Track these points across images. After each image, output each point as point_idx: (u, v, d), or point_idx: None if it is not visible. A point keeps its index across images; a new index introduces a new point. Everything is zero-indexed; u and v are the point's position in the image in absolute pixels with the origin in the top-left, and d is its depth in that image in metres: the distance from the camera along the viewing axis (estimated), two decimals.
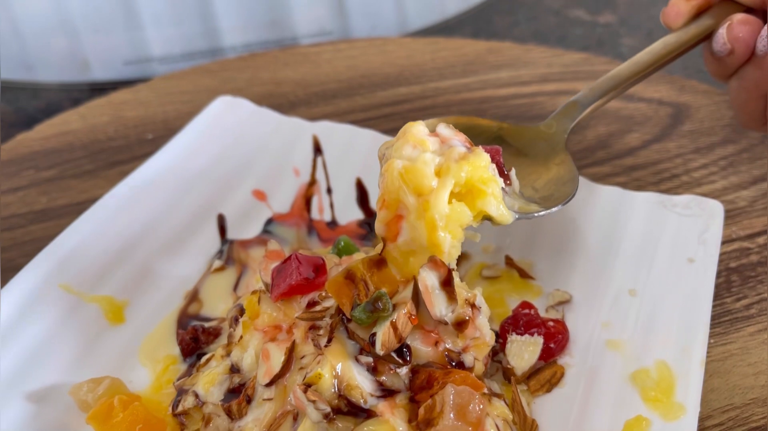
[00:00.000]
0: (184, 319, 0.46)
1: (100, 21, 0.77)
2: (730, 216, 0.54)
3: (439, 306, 0.39)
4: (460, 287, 0.41)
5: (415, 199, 0.36)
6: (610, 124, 0.64)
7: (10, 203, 0.59)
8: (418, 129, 0.38)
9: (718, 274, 0.50)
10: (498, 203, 0.38)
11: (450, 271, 0.39)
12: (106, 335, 0.45)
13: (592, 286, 0.46)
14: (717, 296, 0.48)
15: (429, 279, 0.39)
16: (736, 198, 0.56)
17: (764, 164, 0.58)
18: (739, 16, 0.42)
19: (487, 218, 0.38)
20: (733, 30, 0.42)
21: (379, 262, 0.40)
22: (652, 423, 0.37)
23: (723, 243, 0.52)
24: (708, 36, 0.44)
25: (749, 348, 0.45)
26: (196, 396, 0.40)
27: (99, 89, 0.78)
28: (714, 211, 0.47)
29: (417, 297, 0.39)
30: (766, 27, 0.41)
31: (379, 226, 0.38)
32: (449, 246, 0.37)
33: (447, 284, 0.39)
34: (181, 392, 0.41)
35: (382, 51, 0.75)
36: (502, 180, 0.39)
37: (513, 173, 0.40)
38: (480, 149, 0.38)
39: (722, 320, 0.47)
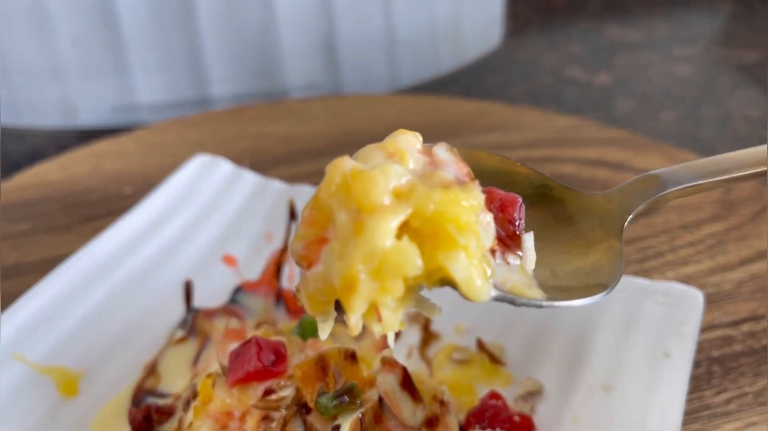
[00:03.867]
0: (139, 394, 0.45)
1: (90, 67, 0.77)
2: (715, 301, 0.52)
3: (406, 409, 0.37)
4: (428, 382, 0.39)
5: (349, 215, 0.26)
6: None
7: None
8: (407, 138, 0.29)
9: (699, 364, 0.48)
10: (469, 265, 0.27)
11: (406, 371, 0.37)
12: (58, 409, 0.43)
13: (565, 377, 0.44)
14: (696, 388, 0.46)
15: (387, 384, 0.37)
16: (721, 281, 0.54)
17: (753, 244, 0.57)
18: None
19: (449, 283, 0.27)
20: None
21: (352, 355, 0.39)
22: None
23: (705, 329, 0.50)
24: None
25: None
26: None
27: (86, 136, 0.77)
28: (693, 301, 0.45)
29: (381, 400, 0.37)
30: None
31: (296, 245, 0.28)
32: (382, 306, 0.26)
33: (407, 384, 0.38)
34: None
35: (371, 108, 0.74)
36: (502, 244, 0.29)
37: (529, 240, 0.30)
38: (476, 185, 0.28)
39: (700, 415, 0.45)
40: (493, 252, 0.28)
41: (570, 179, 0.64)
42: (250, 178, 0.58)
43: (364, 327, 0.40)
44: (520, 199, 0.29)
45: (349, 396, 0.36)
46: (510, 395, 0.43)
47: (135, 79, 0.77)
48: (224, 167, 0.59)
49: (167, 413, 0.43)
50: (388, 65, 0.80)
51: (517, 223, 0.29)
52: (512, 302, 0.28)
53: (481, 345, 0.46)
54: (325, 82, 0.80)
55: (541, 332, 0.46)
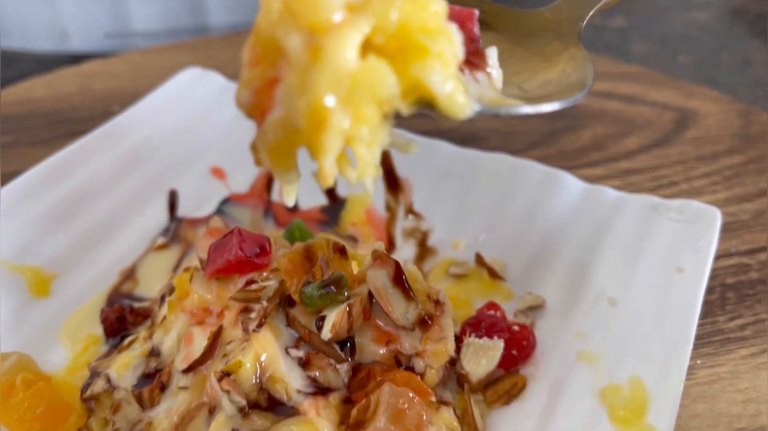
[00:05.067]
0: (114, 297, 0.42)
1: None
2: (731, 229, 0.49)
3: (398, 307, 0.34)
4: (422, 280, 0.37)
5: (303, 40, 0.22)
6: (609, 125, 0.59)
7: None
8: None
9: (713, 290, 0.45)
10: (447, 74, 0.24)
11: (399, 266, 0.34)
12: (28, 308, 0.41)
13: (568, 292, 0.41)
14: (709, 313, 0.44)
15: (377, 279, 0.34)
16: (738, 210, 0.51)
17: None
18: None
19: (428, 101, 0.24)
20: None
21: (341, 249, 0.36)
22: None
23: (721, 257, 0.47)
24: None
25: (740, 373, 0.40)
26: (108, 380, 0.35)
27: (77, 61, 0.74)
28: (710, 217, 0.42)
29: (371, 296, 0.34)
30: None
31: (242, 93, 0.25)
32: (356, 141, 0.23)
33: (399, 281, 0.35)
34: (93, 374, 0.36)
35: None
36: (468, 61, 0.26)
37: (493, 54, 0.28)
38: None
39: (712, 340, 0.42)
40: (460, 70, 0.25)
41: (580, 109, 0.61)
42: None
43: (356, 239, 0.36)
44: (476, 12, 0.27)
45: (336, 286, 0.33)
46: (509, 310, 0.41)
47: (130, 4, 0.74)
48: (216, 80, 0.56)
49: (143, 315, 0.40)
50: None
51: (478, 39, 0.26)
52: (496, 113, 0.26)
53: (480, 260, 0.43)
54: None
55: (544, 248, 0.43)
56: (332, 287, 0.33)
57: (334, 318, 0.32)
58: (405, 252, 0.45)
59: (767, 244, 0.48)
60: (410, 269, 0.36)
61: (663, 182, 0.53)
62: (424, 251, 0.45)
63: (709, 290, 0.45)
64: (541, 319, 0.40)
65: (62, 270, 0.43)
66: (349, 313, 0.33)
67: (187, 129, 0.51)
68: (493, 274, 0.43)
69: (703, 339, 0.42)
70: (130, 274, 0.43)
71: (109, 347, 0.39)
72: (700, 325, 0.43)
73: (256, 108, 0.24)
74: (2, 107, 0.62)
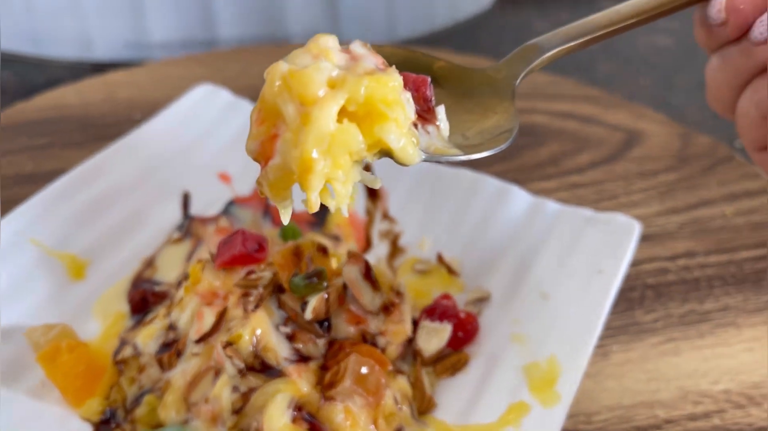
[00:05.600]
0: (138, 281, 0.51)
1: (107, 4, 0.82)
2: (658, 238, 0.58)
3: (366, 295, 0.43)
4: (387, 276, 0.46)
5: (296, 109, 0.30)
6: (565, 143, 0.68)
7: (1, 166, 0.64)
8: (326, 39, 0.33)
9: (635, 289, 0.54)
10: (401, 134, 0.32)
11: (368, 264, 0.44)
12: (67, 288, 0.50)
13: (509, 287, 0.50)
14: (628, 308, 0.53)
15: (351, 273, 0.44)
16: (666, 222, 0.59)
17: (699, 193, 0.62)
18: None
19: (387, 153, 0.32)
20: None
21: (323, 249, 0.45)
22: (531, 408, 0.41)
23: (645, 261, 0.56)
24: None
25: (648, 358, 0.49)
26: (135, 347, 0.44)
27: (100, 68, 0.83)
28: (630, 229, 0.51)
29: (346, 287, 0.43)
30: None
31: (250, 144, 0.32)
32: (334, 180, 0.31)
33: (368, 275, 0.44)
34: (123, 343, 0.45)
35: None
36: (421, 118, 0.33)
37: (441, 111, 0.34)
38: (393, 70, 0.32)
39: (629, 330, 0.51)
40: (415, 125, 0.33)
41: (540, 127, 0.69)
42: (247, 107, 0.64)
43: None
44: (429, 79, 0.33)
45: (317, 278, 0.42)
46: (461, 301, 0.50)
47: (148, 17, 0.83)
48: (225, 96, 0.64)
49: (161, 296, 0.49)
50: (386, 18, 0.86)
51: (430, 99, 0.33)
52: (438, 161, 0.34)
53: (440, 259, 0.52)
54: (326, 30, 0.84)
55: (493, 250, 0.52)
56: (315, 278, 0.42)
57: (314, 303, 0.42)
58: (380, 250, 0.54)
59: (686, 252, 0.57)
60: (378, 267, 0.45)
61: (605, 195, 0.62)
62: (395, 250, 0.54)
63: (632, 289, 0.54)
64: (486, 308, 0.49)
65: (95, 258, 0.52)
66: (327, 299, 0.42)
67: (198, 139, 0.60)
68: (451, 271, 0.52)
69: (620, 329, 0.51)
70: (150, 262, 0.52)
71: (134, 322, 0.48)
72: (619, 317, 0.52)
73: (261, 155, 0.32)
74: (37, 112, 0.71)
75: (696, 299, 0.53)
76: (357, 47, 0.33)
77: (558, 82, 0.76)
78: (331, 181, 0.31)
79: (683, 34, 0.92)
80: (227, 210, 0.57)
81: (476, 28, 0.91)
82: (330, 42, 0.32)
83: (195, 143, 0.60)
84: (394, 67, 0.32)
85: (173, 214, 0.56)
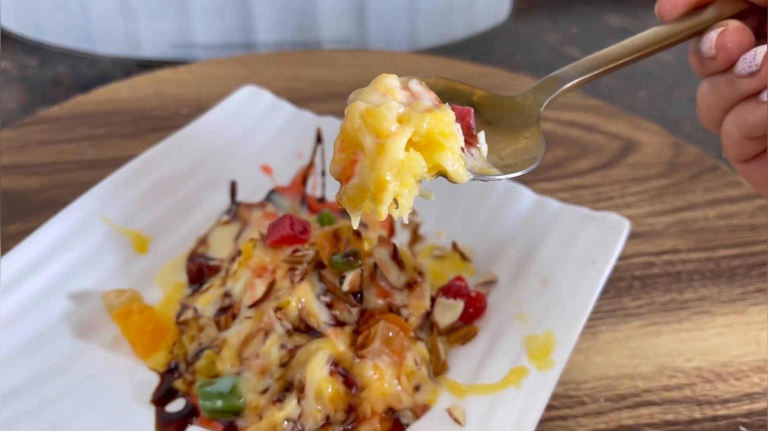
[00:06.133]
0: (193, 256, 0.59)
1: (156, 7, 0.90)
2: (647, 236, 0.66)
3: (393, 274, 0.51)
4: (411, 258, 0.53)
5: (373, 141, 0.36)
6: (568, 149, 0.75)
7: (65, 151, 0.72)
8: (389, 80, 0.39)
9: (623, 279, 0.62)
10: (455, 159, 0.38)
11: (396, 247, 0.51)
12: (132, 260, 0.58)
13: (514, 273, 0.57)
14: (617, 295, 0.60)
15: (381, 254, 0.52)
16: (655, 222, 0.67)
17: (686, 198, 0.70)
18: (734, 25, 0.41)
19: (443, 174, 0.38)
20: (724, 38, 0.40)
21: (357, 233, 0.53)
22: (529, 371, 0.49)
23: (634, 256, 0.64)
24: (701, 31, 0.42)
25: (632, 337, 0.57)
26: (195, 310, 0.52)
27: (146, 65, 0.91)
28: (621, 226, 0.58)
29: (376, 266, 0.51)
30: (753, 50, 0.40)
31: (334, 167, 0.39)
32: (400, 196, 0.37)
33: (395, 257, 0.52)
34: (184, 307, 0.53)
35: (390, 63, 0.88)
36: (465, 141, 0.39)
37: (482, 136, 0.40)
38: (446, 106, 0.38)
39: (617, 313, 0.59)
40: (462, 149, 0.40)
41: (548, 134, 0.77)
42: (287, 108, 0.72)
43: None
44: (472, 110, 0.40)
45: (353, 257, 0.50)
46: (472, 283, 0.57)
47: (193, 21, 0.91)
48: (267, 97, 0.72)
49: (214, 269, 0.57)
50: (409, 28, 0.93)
51: (473, 127, 0.40)
52: (483, 179, 0.40)
53: (455, 246, 0.60)
54: (354, 38, 0.93)
55: (501, 240, 0.60)
56: (351, 257, 0.50)
57: (350, 277, 0.49)
58: (402, 237, 0.62)
59: (671, 248, 0.65)
60: (403, 250, 0.53)
61: (602, 197, 0.70)
62: (415, 237, 0.62)
63: (621, 279, 0.62)
64: (493, 290, 0.57)
65: (156, 235, 0.60)
66: (361, 275, 0.50)
67: (244, 135, 0.68)
68: (464, 257, 0.60)
69: (609, 313, 0.59)
70: (203, 240, 0.60)
71: (191, 290, 0.56)
72: (609, 303, 0.60)
73: (342, 175, 0.38)
74: (95, 105, 0.79)
75: (677, 290, 0.61)
76: (414, 85, 0.39)
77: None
78: (398, 197, 0.38)
79: (684, 50, 0.99)
80: (269, 198, 0.65)
81: (492, 39, 0.99)
82: (393, 81, 0.38)
83: (240, 138, 0.68)
84: (447, 104, 0.38)
85: (222, 200, 0.64)
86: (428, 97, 0.39)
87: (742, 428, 0.51)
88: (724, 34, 0.40)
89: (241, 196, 0.65)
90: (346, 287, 0.49)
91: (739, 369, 0.55)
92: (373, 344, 0.48)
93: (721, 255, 0.64)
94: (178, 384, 0.50)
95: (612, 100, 0.86)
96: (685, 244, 0.65)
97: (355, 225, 0.40)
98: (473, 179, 0.39)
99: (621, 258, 0.63)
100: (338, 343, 0.48)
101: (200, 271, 0.57)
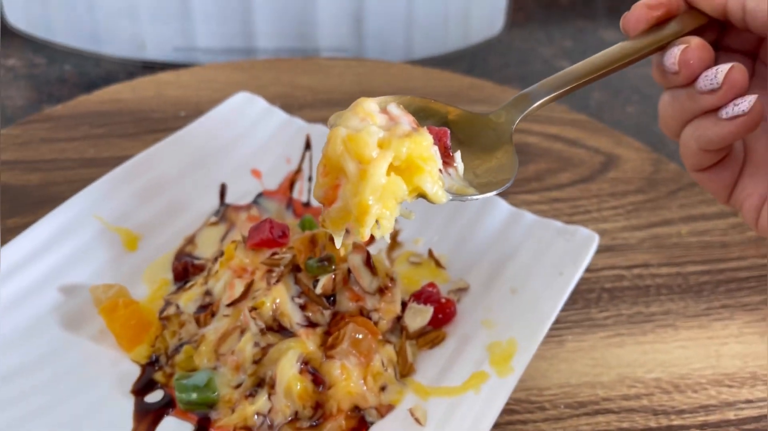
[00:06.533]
0: (180, 255, 0.62)
1: (160, 11, 0.93)
2: (619, 250, 0.68)
3: (365, 279, 0.54)
4: (384, 264, 0.56)
5: (355, 166, 0.38)
6: (551, 162, 0.78)
7: (66, 149, 0.75)
8: (368, 104, 0.40)
9: (593, 291, 0.64)
10: (434, 182, 0.39)
11: (369, 253, 0.54)
12: (122, 257, 0.61)
13: (487, 281, 0.60)
14: (585, 306, 0.63)
15: (355, 260, 0.54)
16: (629, 236, 0.69)
17: (662, 213, 0.72)
18: (696, 42, 0.42)
19: (422, 196, 0.40)
20: (686, 54, 0.41)
21: (332, 238, 0.56)
22: (489, 376, 0.51)
23: (606, 269, 0.66)
24: (664, 46, 0.43)
25: (596, 347, 0.59)
26: (177, 307, 0.55)
27: (149, 67, 0.94)
28: (590, 240, 0.61)
29: (350, 271, 0.54)
30: (715, 68, 0.41)
31: (317, 191, 0.40)
32: (382, 218, 0.39)
33: (368, 263, 0.54)
34: (167, 303, 0.56)
35: (386, 72, 0.90)
36: (442, 161, 0.40)
37: (458, 156, 0.42)
38: (425, 130, 0.39)
39: (584, 324, 0.61)
40: (440, 170, 0.42)
41: (532, 147, 0.79)
42: (279, 114, 0.74)
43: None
44: (449, 131, 0.42)
45: (328, 262, 0.53)
46: (445, 289, 0.60)
47: (196, 25, 0.94)
48: (260, 103, 0.75)
49: (199, 268, 0.60)
50: (405, 39, 0.96)
51: (449, 147, 0.41)
52: (460, 200, 0.41)
53: (430, 253, 0.63)
54: (351, 46, 0.95)
55: (476, 250, 0.62)
56: (325, 262, 0.53)
57: (324, 281, 0.52)
58: (381, 244, 0.64)
59: (641, 263, 0.67)
60: (376, 256, 0.55)
61: (580, 210, 0.72)
62: (394, 244, 0.64)
63: (590, 290, 0.64)
64: (464, 297, 0.59)
65: (146, 233, 0.62)
66: (334, 279, 0.53)
67: (236, 139, 0.71)
68: (438, 264, 0.62)
69: (576, 323, 0.61)
70: (191, 240, 0.63)
71: (176, 287, 0.59)
72: (577, 313, 0.62)
73: (325, 199, 0.40)
74: (97, 104, 0.82)
75: (644, 303, 0.63)
76: (393, 108, 0.41)
77: (551, 107, 0.85)
78: (380, 219, 0.39)
79: None
80: (257, 200, 0.68)
81: (486, 51, 1.01)
82: (372, 106, 0.40)
83: (233, 143, 0.71)
84: (425, 128, 0.40)
85: (212, 202, 0.67)
86: (406, 121, 0.40)
87: None
88: (687, 50, 0.41)
89: (230, 199, 0.68)
90: (319, 290, 0.52)
91: (697, 381, 0.57)
92: (341, 345, 0.50)
93: (690, 271, 0.66)
94: (158, 376, 0.53)
95: (601, 115, 0.88)
96: (656, 259, 0.67)
97: (338, 245, 0.42)
98: (451, 200, 0.41)
99: (592, 270, 0.66)
100: (309, 343, 0.51)
101: (185, 269, 0.59)
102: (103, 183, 0.63)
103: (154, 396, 0.52)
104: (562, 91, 0.45)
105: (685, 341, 0.60)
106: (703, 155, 0.43)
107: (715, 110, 0.41)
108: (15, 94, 0.91)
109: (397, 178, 0.39)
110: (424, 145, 0.39)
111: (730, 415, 0.55)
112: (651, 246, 0.69)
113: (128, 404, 0.51)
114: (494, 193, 0.42)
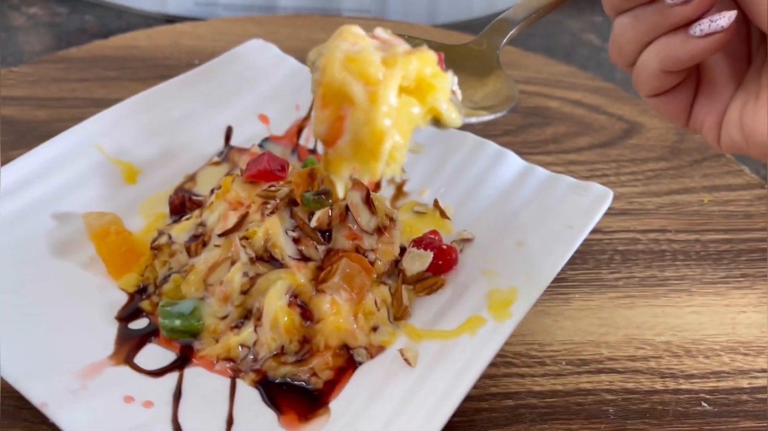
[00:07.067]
0: (179, 191, 0.60)
1: None
2: (636, 214, 0.65)
3: (364, 217, 0.52)
4: (384, 204, 0.54)
5: (363, 89, 0.34)
6: (570, 126, 0.75)
7: (76, 89, 0.74)
8: (354, 28, 0.37)
9: (605, 252, 0.61)
10: (447, 100, 0.37)
11: (369, 191, 0.52)
12: (120, 189, 0.59)
13: (492, 234, 0.57)
14: (596, 266, 0.60)
15: (354, 197, 0.52)
16: (646, 202, 0.66)
17: (683, 182, 0.69)
18: None
19: (435, 120, 0.37)
20: None
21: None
22: (486, 321, 0.49)
23: (621, 231, 0.63)
24: None
25: (604, 307, 0.56)
26: (170, 236, 0.53)
27: (170, 21, 0.93)
28: (604, 195, 0.58)
29: (348, 208, 0.52)
30: None
31: (319, 127, 0.36)
32: (395, 150, 0.35)
33: (367, 201, 0.52)
34: (160, 233, 0.55)
35: (405, 32, 0.88)
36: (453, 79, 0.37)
37: (455, 80, 0.39)
38: (425, 46, 0.37)
39: (592, 283, 0.58)
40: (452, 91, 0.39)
41: (552, 111, 0.77)
42: (291, 62, 0.72)
43: None
44: (443, 54, 0.39)
45: (325, 195, 0.51)
46: (448, 240, 0.57)
47: None
48: (273, 50, 0.73)
49: (197, 204, 0.58)
50: (429, 3, 0.94)
51: (447, 71, 0.38)
52: (473, 121, 0.39)
53: (436, 204, 0.60)
54: (374, 8, 0.93)
55: (484, 203, 0.60)
56: (322, 195, 0.51)
57: (319, 214, 0.50)
58: (385, 192, 0.62)
59: (658, 228, 0.64)
60: (376, 195, 0.53)
61: (596, 173, 0.69)
62: (399, 193, 0.62)
63: (603, 251, 0.61)
64: (467, 247, 0.57)
65: (146, 168, 0.61)
66: (330, 214, 0.50)
67: (246, 84, 0.69)
68: (443, 215, 0.60)
69: (585, 283, 0.58)
70: (192, 177, 0.62)
71: (171, 221, 0.58)
72: (587, 273, 0.59)
73: (329, 136, 0.36)
74: (112, 49, 0.81)
75: (658, 267, 0.60)
76: (380, 33, 0.38)
77: (576, 73, 0.83)
78: (392, 152, 0.36)
79: None
80: (261, 144, 0.66)
81: None
82: (358, 29, 0.37)
83: (242, 87, 0.69)
84: (425, 45, 0.37)
85: (217, 143, 0.66)
86: (401, 41, 0.38)
87: (704, 403, 0.50)
88: None
89: (235, 141, 0.66)
90: (314, 223, 0.50)
91: (710, 347, 0.54)
92: (332, 279, 0.48)
93: (710, 239, 0.63)
94: (145, 305, 0.51)
95: (625, 88, 0.85)
96: (674, 225, 0.64)
97: (340, 192, 0.39)
98: (465, 122, 0.38)
99: (605, 232, 0.63)
100: (299, 275, 0.49)
101: (182, 204, 0.58)
102: (108, 114, 0.62)
103: (139, 324, 0.50)
104: (541, 12, 0.43)
105: (700, 307, 0.57)
106: (663, 78, 0.39)
107: (684, 27, 0.38)
108: (34, 39, 0.91)
109: (409, 98, 0.35)
110: (431, 60, 0.36)
111: (744, 383, 0.52)
112: (670, 212, 0.65)
113: (111, 329, 0.50)
114: (505, 111, 0.40)
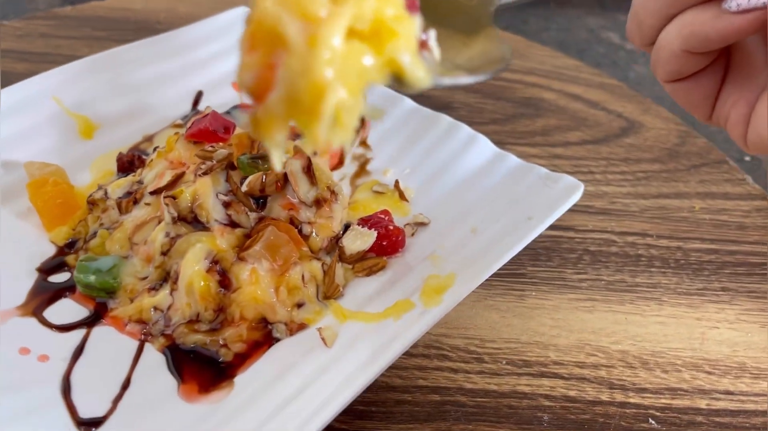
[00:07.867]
0: (133, 150, 0.58)
1: None
2: (616, 214, 0.60)
3: (302, 187, 0.49)
4: (328, 175, 0.51)
5: (300, 28, 0.27)
6: (562, 120, 0.70)
7: (61, 46, 0.73)
8: None
9: (574, 251, 0.57)
10: (412, 51, 0.30)
11: (309, 159, 0.49)
12: (74, 143, 0.58)
13: (448, 219, 0.54)
14: (560, 265, 0.55)
15: (293, 165, 0.49)
16: (631, 203, 0.62)
17: (676, 186, 0.64)
18: None
19: (397, 77, 0.30)
20: None
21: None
22: (414, 306, 0.45)
23: (595, 231, 0.59)
24: None
25: (560, 308, 0.52)
26: (105, 192, 0.51)
27: None
28: (573, 188, 0.53)
29: (286, 176, 0.49)
30: None
31: (243, 75, 0.29)
32: (343, 111, 0.28)
33: (308, 171, 0.49)
34: (99, 188, 0.53)
35: None
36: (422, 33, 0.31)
37: (433, 35, 0.32)
38: None
39: (553, 282, 0.54)
40: (420, 42, 0.32)
41: (545, 102, 0.72)
42: None
43: None
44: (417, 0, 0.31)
45: (261, 160, 0.48)
46: (402, 222, 0.54)
47: None
48: None
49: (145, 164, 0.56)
50: None
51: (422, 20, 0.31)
52: (447, 84, 0.33)
53: (396, 185, 0.57)
54: None
55: (447, 188, 0.56)
56: (259, 160, 0.48)
57: (250, 179, 0.47)
58: (348, 169, 0.59)
59: (638, 232, 0.59)
60: (319, 165, 0.50)
61: (581, 169, 0.65)
62: (361, 171, 0.59)
63: (571, 250, 0.57)
64: (421, 231, 0.53)
65: (105, 124, 0.59)
66: (263, 180, 0.48)
67: (222, 51, 0.67)
68: (402, 196, 0.56)
69: (545, 281, 0.54)
70: (149, 138, 0.60)
71: (117, 178, 0.56)
72: (549, 271, 0.55)
73: (257, 87, 0.29)
74: (105, 10, 0.80)
75: (630, 272, 0.55)
76: None
77: (581, 68, 0.78)
78: (340, 113, 0.28)
79: None
80: (229, 111, 0.63)
81: (528, 12, 0.94)
82: None
83: (218, 54, 0.67)
84: None
85: (184, 108, 0.63)
86: None
87: (651, 420, 0.46)
88: None
89: (202, 107, 0.64)
90: (244, 188, 0.47)
91: (671, 361, 0.49)
92: (254, 246, 0.45)
93: (694, 248, 0.58)
94: (70, 259, 0.49)
95: (638, 87, 0.80)
96: (656, 230, 0.59)
97: (277, 165, 0.31)
98: (438, 84, 0.31)
99: (579, 230, 0.58)
100: (221, 241, 0.46)
101: (131, 162, 0.56)
102: (71, 68, 0.61)
103: (61, 278, 0.49)
104: None
105: (668, 317, 0.52)
106: (686, 59, 0.34)
107: (716, 0, 0.32)
108: None
109: (362, 45, 0.28)
110: (396, 1, 0.29)
111: (701, 404, 0.47)
112: (654, 216, 0.60)
113: (29, 280, 0.48)
114: (488, 75, 0.35)
